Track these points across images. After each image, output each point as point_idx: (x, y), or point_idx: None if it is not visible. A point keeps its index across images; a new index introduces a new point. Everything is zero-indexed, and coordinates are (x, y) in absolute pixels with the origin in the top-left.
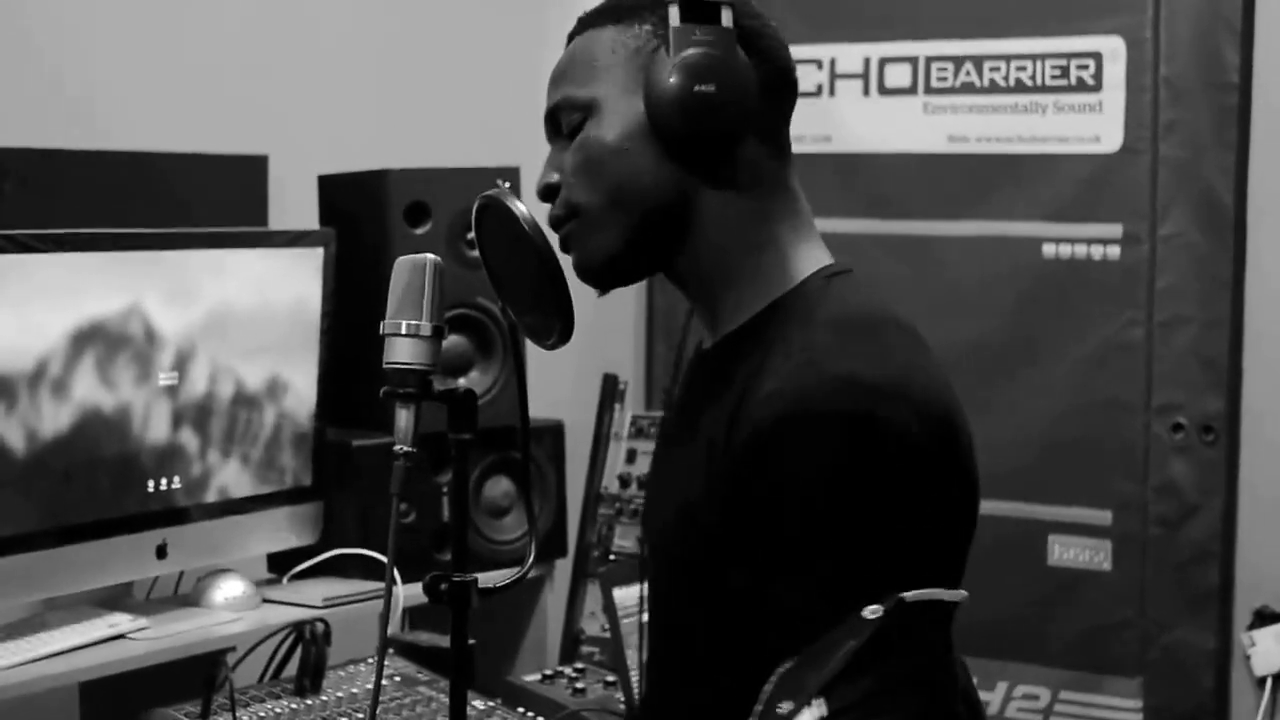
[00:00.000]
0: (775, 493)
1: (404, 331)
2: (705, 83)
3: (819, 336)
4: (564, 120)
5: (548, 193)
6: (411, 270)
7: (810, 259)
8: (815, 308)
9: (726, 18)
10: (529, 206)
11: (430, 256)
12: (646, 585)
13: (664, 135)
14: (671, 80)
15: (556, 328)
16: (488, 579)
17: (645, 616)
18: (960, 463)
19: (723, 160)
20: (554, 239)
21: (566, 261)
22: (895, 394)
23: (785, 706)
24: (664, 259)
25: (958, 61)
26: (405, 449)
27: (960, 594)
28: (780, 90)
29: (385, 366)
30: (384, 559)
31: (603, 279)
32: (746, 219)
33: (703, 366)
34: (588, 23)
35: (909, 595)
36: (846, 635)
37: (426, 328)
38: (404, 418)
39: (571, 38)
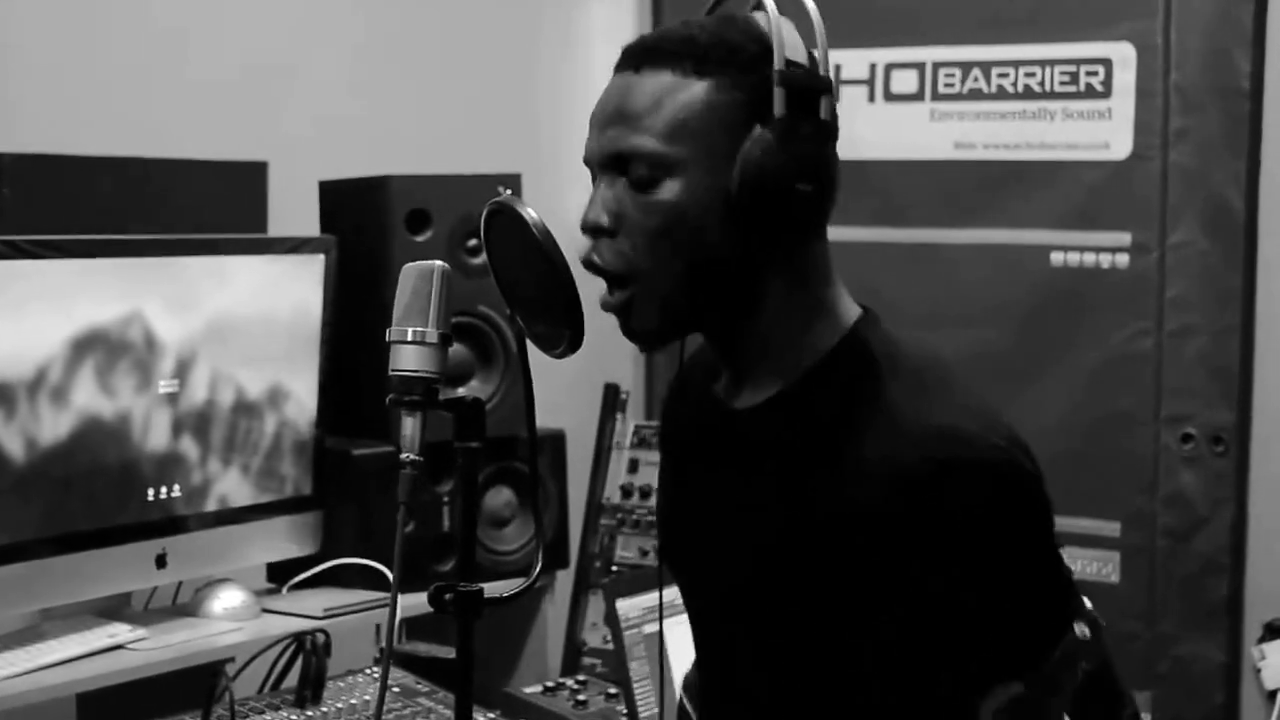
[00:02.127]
0: (950, 543)
1: (410, 339)
2: (805, 182)
3: (905, 388)
4: (633, 169)
5: (596, 232)
6: (418, 277)
7: (847, 308)
8: (879, 358)
9: (826, 108)
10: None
11: (438, 263)
12: (702, 639)
13: (751, 222)
14: (773, 175)
15: (566, 336)
16: (491, 589)
17: (671, 643)
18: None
19: (800, 250)
20: (565, 248)
21: (576, 271)
22: (1004, 434)
23: None
24: (717, 323)
25: (965, 67)
26: (411, 457)
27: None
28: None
29: (391, 374)
30: (384, 569)
31: (657, 344)
32: (805, 285)
33: (750, 425)
34: (661, 61)
35: (1090, 606)
36: (1073, 657)
37: (433, 335)
38: (410, 426)
39: (636, 66)
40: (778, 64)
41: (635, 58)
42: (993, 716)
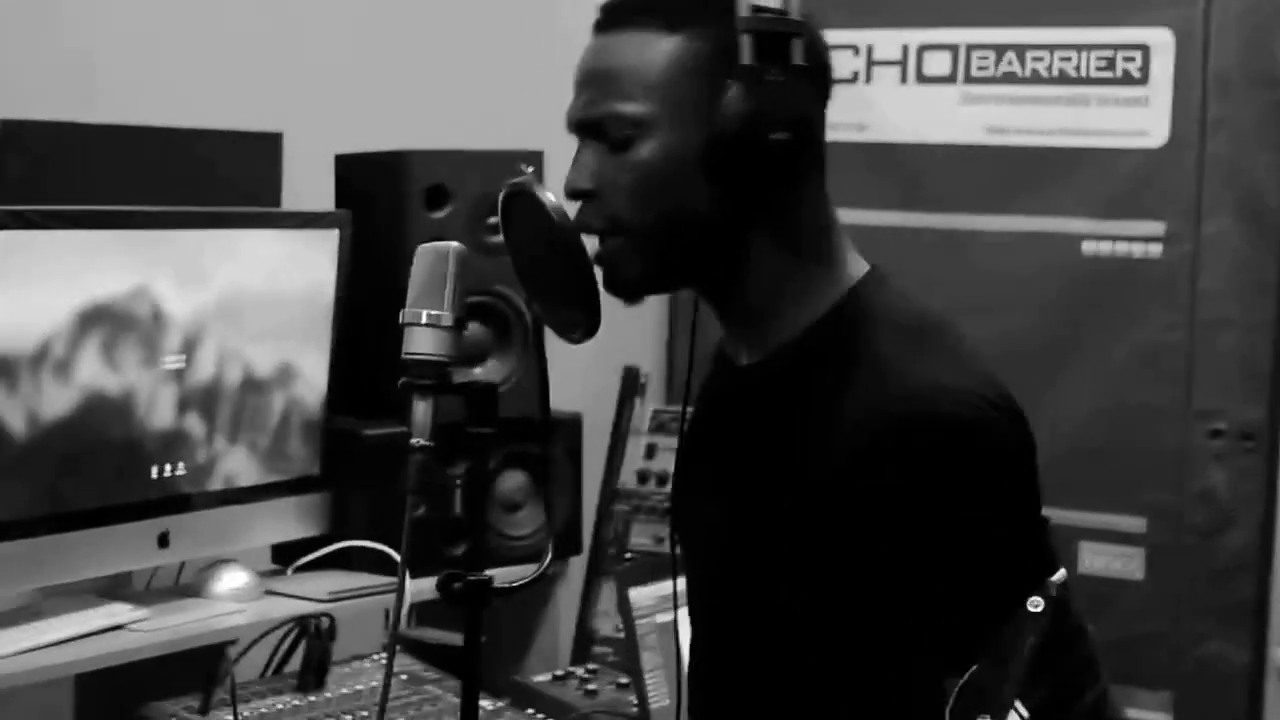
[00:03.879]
0: (912, 505)
1: (424, 321)
2: (778, 131)
3: (896, 347)
4: (608, 131)
5: (577, 196)
6: (434, 258)
7: (852, 266)
8: (878, 316)
9: (798, 52)
10: (558, 196)
11: (454, 244)
12: (693, 608)
13: (725, 175)
14: (744, 125)
15: (582, 321)
16: (502, 577)
17: (684, 633)
18: (1034, 450)
19: (782, 203)
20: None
21: (593, 253)
22: (989, 396)
23: None
24: (706, 280)
25: (999, 50)
26: (422, 442)
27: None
28: (827, 100)
29: (404, 357)
30: (393, 553)
31: (634, 296)
32: (793, 240)
33: (749, 382)
34: (632, 19)
35: (1056, 578)
36: (1021, 634)
37: (447, 318)
38: (421, 410)
39: (609, 27)
40: (742, 10)
41: (609, 17)
42: (953, 699)
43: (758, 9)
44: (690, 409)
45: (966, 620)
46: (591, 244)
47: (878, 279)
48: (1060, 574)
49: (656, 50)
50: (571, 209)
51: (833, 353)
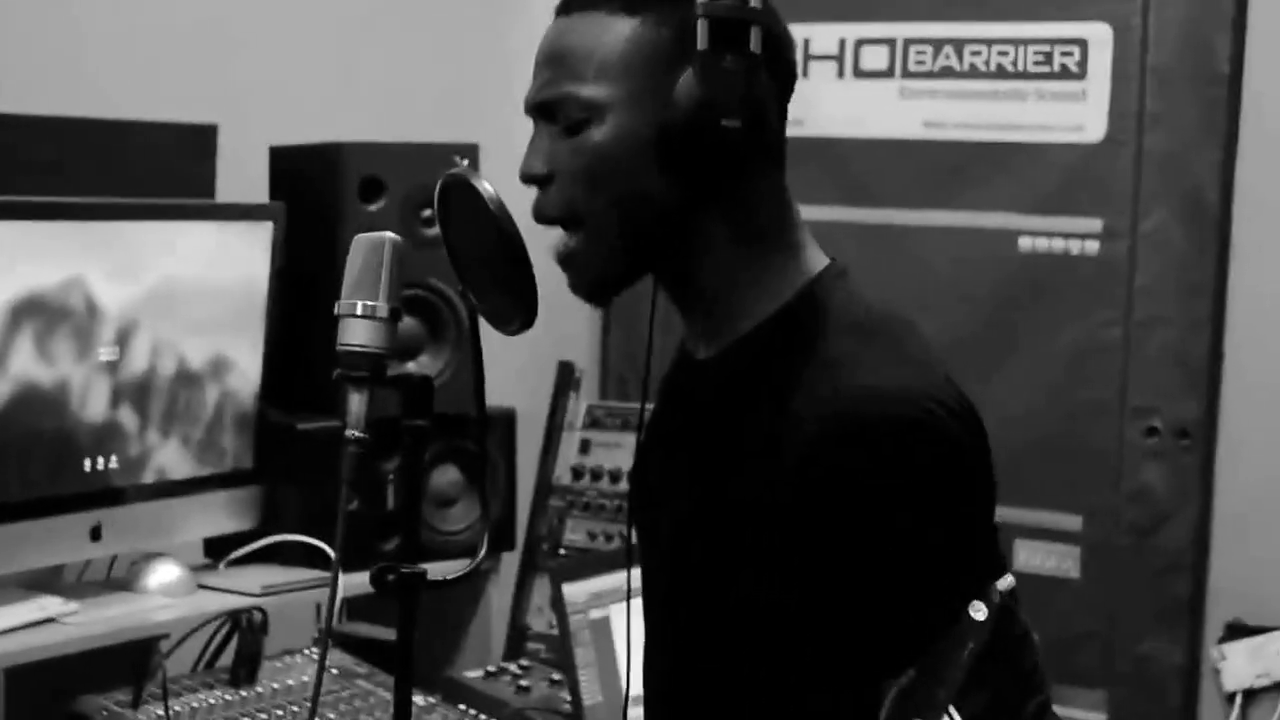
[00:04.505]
0: (849, 506)
1: (359, 313)
2: (731, 118)
3: (845, 345)
4: (562, 114)
5: (531, 181)
6: (370, 249)
7: (810, 260)
8: (834, 313)
9: (755, 40)
10: (495, 187)
11: (389, 235)
12: (651, 612)
13: (676, 161)
14: (696, 111)
15: (519, 313)
16: (435, 571)
17: (638, 630)
18: (989, 451)
19: (734, 191)
20: (521, 222)
21: (531, 245)
22: (934, 394)
23: None
24: (662, 271)
25: (937, 44)
26: (357, 435)
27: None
28: (789, 94)
29: (338, 348)
30: (326, 547)
31: (599, 297)
32: (750, 232)
33: (705, 376)
34: (593, 2)
35: (1002, 585)
36: (961, 641)
37: (383, 309)
38: (356, 402)
39: (571, 9)
40: None
41: (569, 1)
42: (889, 704)
43: None
44: (651, 403)
45: (905, 624)
46: (549, 240)
47: (836, 273)
48: (1007, 580)
49: (614, 33)
50: (525, 213)
51: (786, 349)
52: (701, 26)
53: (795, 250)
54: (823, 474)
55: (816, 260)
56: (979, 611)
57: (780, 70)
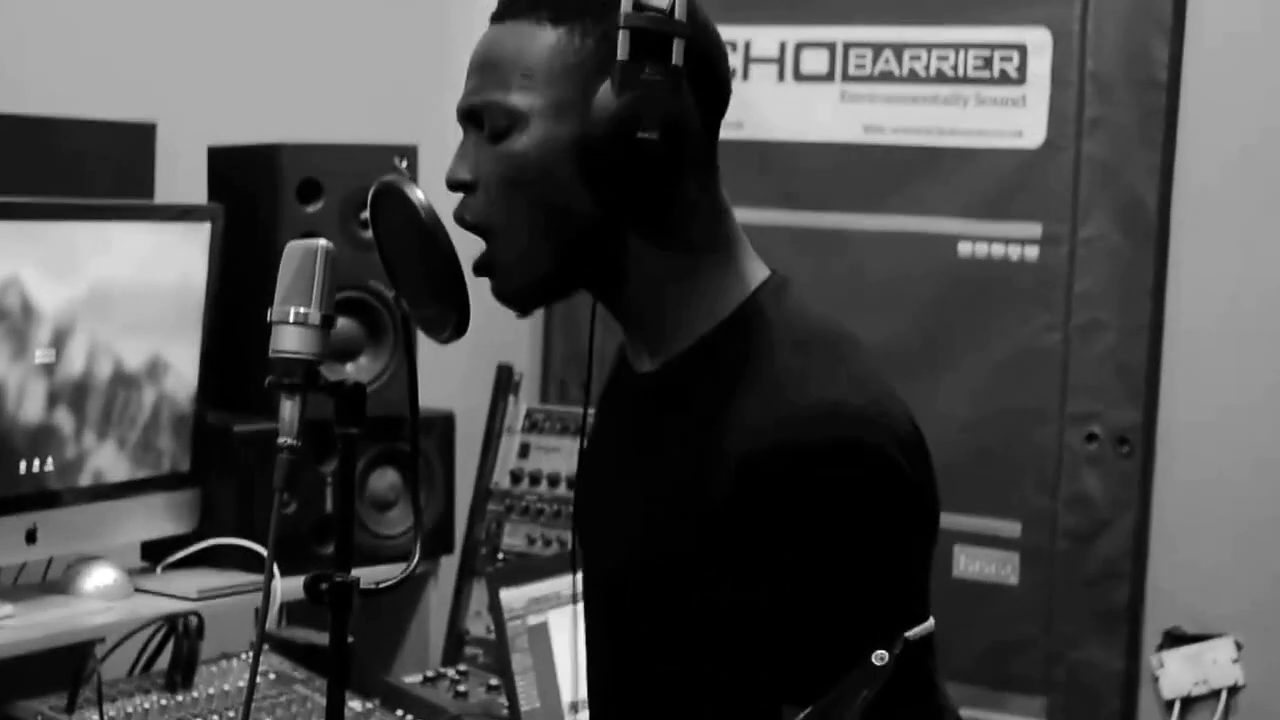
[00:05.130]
0: (774, 532)
1: (292, 319)
2: (648, 130)
3: (788, 361)
4: (488, 121)
5: (457, 187)
6: (302, 255)
7: (751, 273)
8: (773, 328)
9: (678, 52)
10: (429, 194)
11: (321, 242)
12: (592, 624)
13: (595, 172)
14: (613, 123)
15: (452, 321)
16: (370, 576)
17: (582, 645)
18: (932, 479)
19: (655, 205)
20: (452, 227)
21: (463, 251)
22: (875, 417)
23: None
24: (591, 285)
25: (876, 48)
26: (289, 441)
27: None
28: (720, 109)
29: (271, 355)
30: (263, 550)
31: (523, 306)
32: (680, 246)
33: (645, 391)
34: (522, 10)
35: (913, 634)
36: (860, 684)
37: (315, 316)
38: (289, 409)
39: (502, 17)
40: (625, 6)
41: (502, 8)
42: None
43: (640, 6)
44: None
45: (817, 654)
46: (476, 248)
47: (776, 286)
48: (925, 626)
49: (539, 42)
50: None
51: (728, 364)
52: (622, 37)
53: (732, 264)
54: (758, 497)
55: (756, 273)
56: (881, 659)
57: (709, 84)
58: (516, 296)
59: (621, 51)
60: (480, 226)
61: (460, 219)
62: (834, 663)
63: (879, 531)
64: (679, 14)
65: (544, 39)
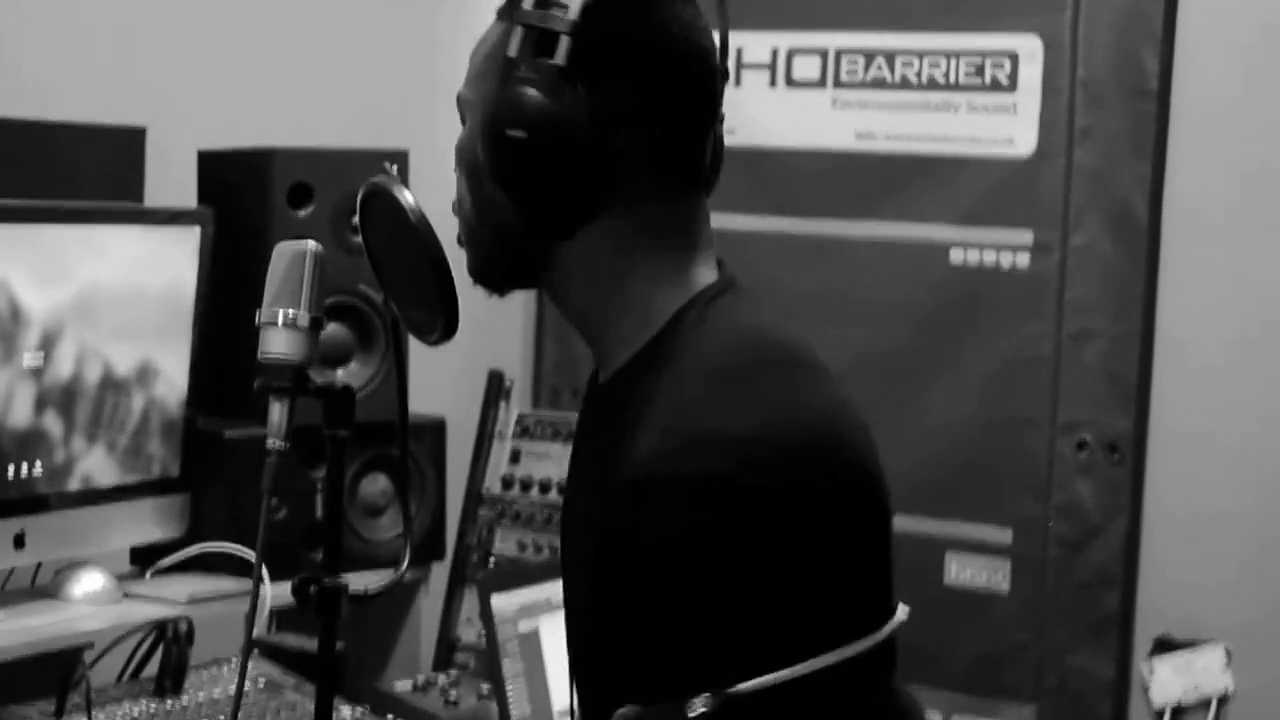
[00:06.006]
0: (631, 557)
1: (280, 322)
2: (515, 128)
3: (686, 388)
4: (459, 112)
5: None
6: (291, 258)
7: (693, 280)
8: (687, 351)
9: (562, 50)
10: (419, 198)
11: (311, 244)
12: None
13: (487, 168)
14: (491, 119)
15: (440, 323)
16: (360, 582)
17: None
18: (854, 499)
19: (551, 207)
20: (444, 232)
21: (453, 256)
22: (763, 449)
23: None
24: (529, 282)
25: (869, 55)
26: (278, 445)
27: (833, 657)
28: (687, 113)
29: (260, 358)
30: (253, 556)
31: (482, 282)
32: (608, 253)
33: (596, 403)
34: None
35: (744, 687)
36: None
37: (304, 319)
38: (277, 412)
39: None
40: (526, 3)
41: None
42: None
43: (544, 3)
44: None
45: (644, 691)
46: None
47: (713, 294)
48: (770, 679)
49: (487, 37)
50: (448, 223)
51: (645, 383)
52: (515, 34)
53: (672, 273)
54: (622, 521)
55: (699, 280)
56: (694, 709)
57: (662, 86)
58: (473, 272)
59: (511, 48)
60: (454, 206)
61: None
62: (652, 699)
63: (739, 567)
64: (572, 13)
65: (490, 34)
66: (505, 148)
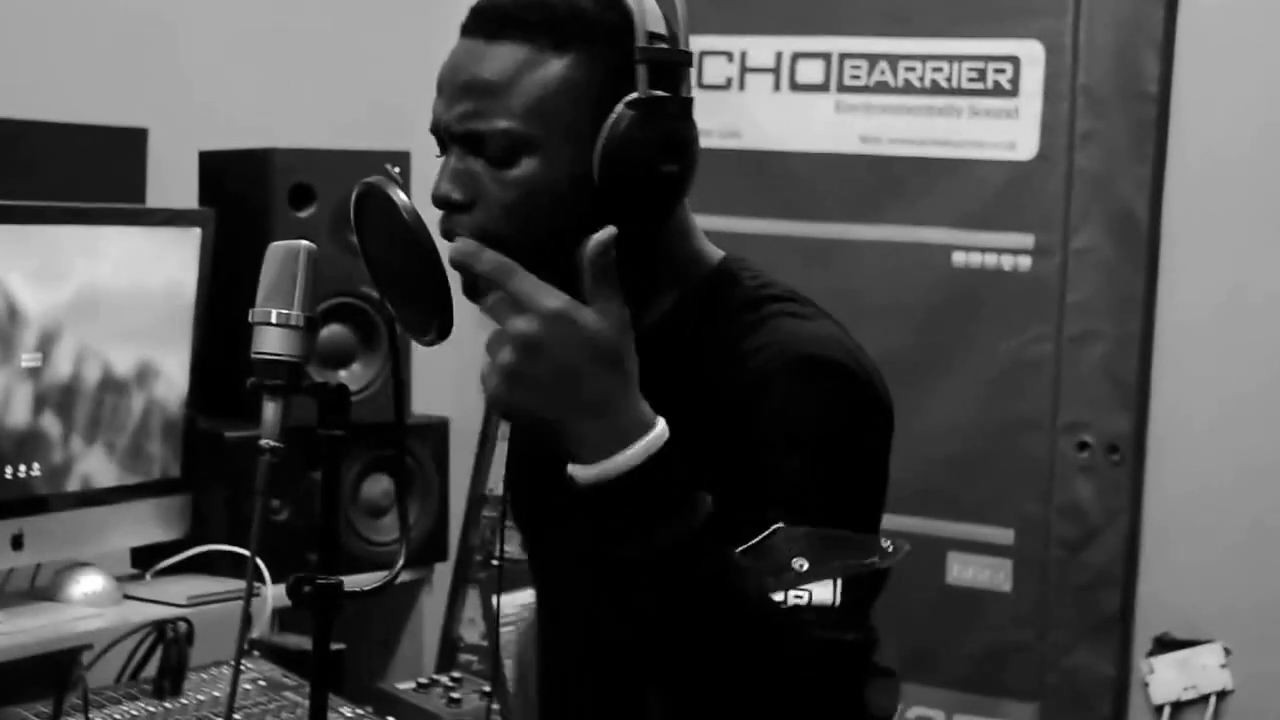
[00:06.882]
0: (776, 429)
1: (274, 321)
2: (671, 164)
3: (778, 307)
4: (491, 146)
5: (449, 206)
6: (284, 257)
7: (712, 249)
8: (755, 288)
9: (687, 82)
10: (413, 196)
11: (304, 243)
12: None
13: (613, 202)
14: (641, 155)
15: (435, 323)
16: (359, 582)
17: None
18: (890, 415)
19: (664, 220)
20: (436, 229)
21: (446, 253)
22: (859, 352)
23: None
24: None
25: (872, 59)
26: (271, 444)
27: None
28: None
29: (253, 357)
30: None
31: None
32: (656, 243)
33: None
34: (515, 32)
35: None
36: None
37: (298, 318)
38: (271, 411)
39: (490, 35)
40: (640, 39)
41: (488, 25)
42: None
43: (653, 35)
44: None
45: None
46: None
47: (738, 257)
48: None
49: (546, 70)
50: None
51: (711, 325)
52: (641, 71)
53: (700, 243)
54: (758, 403)
55: (715, 253)
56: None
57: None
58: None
59: (641, 86)
60: (476, 239)
61: (449, 234)
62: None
63: (870, 441)
64: (683, 43)
65: (552, 67)
66: (653, 183)
